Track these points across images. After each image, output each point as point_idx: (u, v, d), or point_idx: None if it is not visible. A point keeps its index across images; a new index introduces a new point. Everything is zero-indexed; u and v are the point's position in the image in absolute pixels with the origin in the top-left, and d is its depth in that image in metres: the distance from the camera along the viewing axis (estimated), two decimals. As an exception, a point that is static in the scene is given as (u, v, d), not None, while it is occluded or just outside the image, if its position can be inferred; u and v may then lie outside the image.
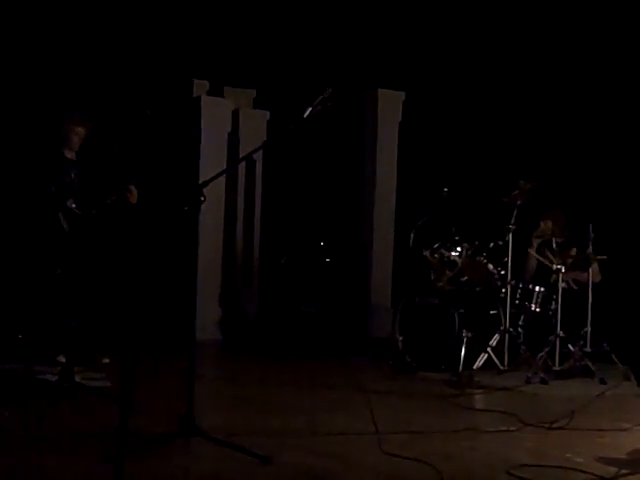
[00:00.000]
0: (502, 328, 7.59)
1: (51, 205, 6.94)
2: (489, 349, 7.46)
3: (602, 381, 7.15)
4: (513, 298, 7.78)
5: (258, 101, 10.67)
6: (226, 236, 10.12)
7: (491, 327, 7.67)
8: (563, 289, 7.57)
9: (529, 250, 8.08)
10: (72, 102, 8.34)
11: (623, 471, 4.25)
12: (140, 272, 8.80)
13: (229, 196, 10.14)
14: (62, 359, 6.63)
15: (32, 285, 7.04)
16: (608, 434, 5.20)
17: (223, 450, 4.40)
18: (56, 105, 8.49)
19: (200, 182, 4.62)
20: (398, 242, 10.21)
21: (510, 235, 7.67)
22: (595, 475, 4.22)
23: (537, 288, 7.87)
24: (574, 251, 7.86)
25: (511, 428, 5.30)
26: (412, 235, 8.13)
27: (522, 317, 7.98)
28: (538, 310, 7.84)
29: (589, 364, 7.35)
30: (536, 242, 8.08)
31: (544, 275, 8.05)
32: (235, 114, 10.26)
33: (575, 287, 7.78)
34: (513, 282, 7.79)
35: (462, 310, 7.68)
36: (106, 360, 7.18)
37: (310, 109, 4.59)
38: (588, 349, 7.43)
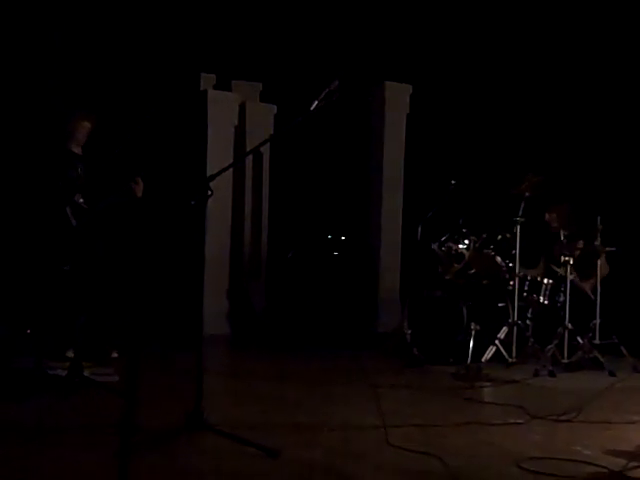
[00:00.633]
0: (510, 321, 7.57)
1: (59, 200, 6.95)
2: (497, 342, 7.45)
3: (611, 373, 7.13)
4: (521, 290, 7.77)
5: (265, 94, 10.66)
6: (233, 230, 10.12)
7: (499, 320, 7.66)
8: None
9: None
10: (79, 97, 8.35)
11: (632, 464, 4.24)
12: (147, 266, 8.81)
13: (236, 190, 10.14)
14: (70, 354, 6.64)
15: (40, 280, 7.05)
16: (617, 427, 5.19)
17: (231, 444, 4.40)
18: (63, 100, 8.50)
19: (207, 176, 4.62)
20: (406, 235, 10.20)
21: (518, 228, 7.65)
22: (604, 467, 4.21)
23: (545, 280, 7.85)
24: (581, 244, 7.85)
25: (519, 421, 5.29)
26: (420, 228, 8.13)
27: (530, 309, 7.96)
28: (546, 302, 7.81)
29: (598, 356, 7.33)
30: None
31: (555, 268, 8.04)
32: (242, 108, 10.25)
33: (592, 296, 7.72)
34: (521, 274, 7.77)
35: (470, 303, 7.67)
36: (115, 355, 7.19)
37: (317, 102, 4.59)
38: (597, 341, 7.42)
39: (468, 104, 10.07)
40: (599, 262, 7.63)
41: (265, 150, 10.28)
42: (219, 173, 4.64)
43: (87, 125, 7.15)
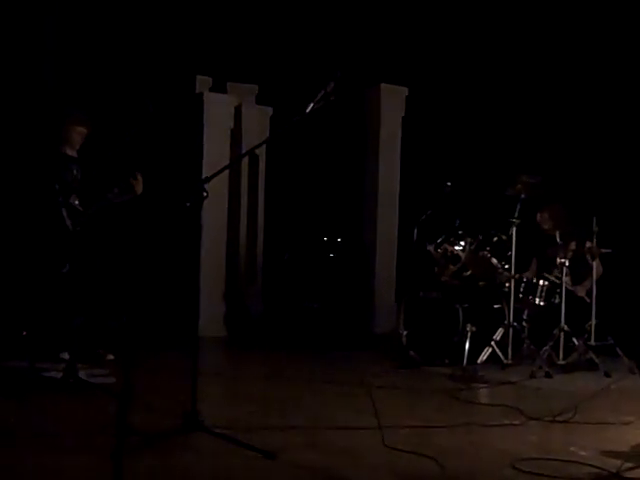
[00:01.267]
0: (506, 322, 7.58)
1: (54, 202, 6.94)
2: (493, 343, 7.46)
3: (607, 374, 7.15)
4: (517, 292, 7.77)
5: (261, 97, 10.67)
6: (229, 232, 10.12)
7: (495, 321, 7.66)
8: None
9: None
10: (74, 99, 8.35)
11: (627, 464, 4.24)
12: (143, 268, 8.80)
13: (232, 192, 10.14)
14: (66, 356, 6.64)
15: (36, 282, 7.05)
16: (612, 428, 5.19)
17: (227, 446, 4.40)
18: (58, 102, 8.50)
19: (203, 178, 4.62)
20: (401, 237, 10.21)
21: (514, 229, 7.66)
22: (599, 468, 4.21)
23: (541, 282, 7.85)
24: (573, 245, 7.87)
25: (515, 422, 5.29)
26: (415, 230, 8.13)
27: (526, 311, 7.97)
28: (542, 304, 7.82)
29: (594, 357, 7.34)
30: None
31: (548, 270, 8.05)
32: (238, 110, 10.26)
33: (588, 300, 7.73)
34: (517, 276, 7.78)
35: (466, 304, 7.68)
36: (110, 357, 7.19)
37: (313, 104, 4.59)
38: (592, 343, 7.42)
39: (463, 106, 10.09)
40: (594, 264, 7.63)
41: (261, 152, 10.28)
42: (215, 175, 4.64)
43: (82, 130, 7.15)
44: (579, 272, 7.92)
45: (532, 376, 7.04)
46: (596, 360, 7.33)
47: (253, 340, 9.52)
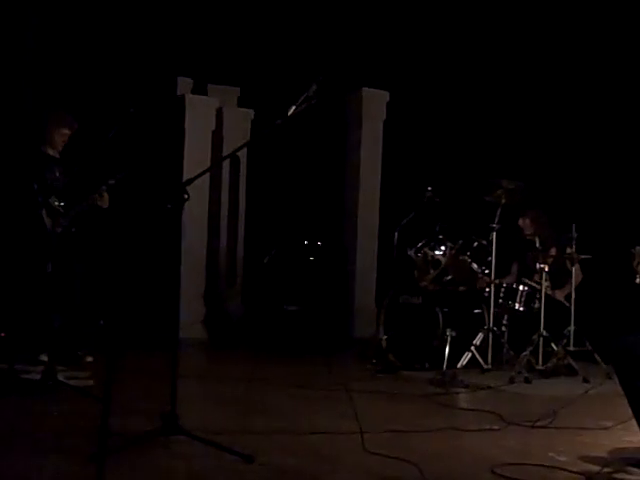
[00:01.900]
0: (486, 327, 7.60)
1: (33, 202, 6.90)
2: (473, 348, 7.48)
3: (585, 380, 7.17)
4: (497, 297, 7.80)
5: (242, 99, 10.67)
6: (210, 235, 10.11)
7: (475, 326, 7.69)
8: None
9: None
10: (55, 99, 8.31)
11: (605, 469, 4.25)
12: (123, 270, 8.77)
13: (213, 194, 10.13)
14: (44, 358, 6.60)
15: (15, 283, 7.01)
16: (591, 433, 5.21)
17: (206, 449, 4.38)
18: (38, 102, 8.45)
19: (184, 180, 4.60)
20: (382, 241, 10.22)
21: (494, 234, 7.68)
22: (578, 473, 4.22)
23: (521, 287, 7.88)
24: (554, 251, 7.91)
25: (494, 427, 5.30)
26: (396, 234, 8.15)
27: (506, 316, 8.00)
28: (522, 309, 7.85)
29: (572, 363, 7.37)
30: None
31: (528, 275, 8.08)
32: (219, 112, 10.25)
33: (567, 304, 7.75)
34: (497, 281, 7.81)
35: (446, 309, 7.69)
36: (89, 359, 7.15)
37: (295, 107, 4.59)
38: (571, 348, 7.45)
39: (445, 111, 10.11)
40: (574, 269, 7.66)
41: (242, 155, 10.28)
42: (196, 177, 4.61)
43: (65, 132, 7.12)
44: (559, 278, 7.95)
45: (511, 381, 7.05)
46: (575, 366, 7.35)
47: (233, 342, 9.50)
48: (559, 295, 7.97)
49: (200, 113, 9.96)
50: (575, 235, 7.51)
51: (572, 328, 7.47)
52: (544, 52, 9.40)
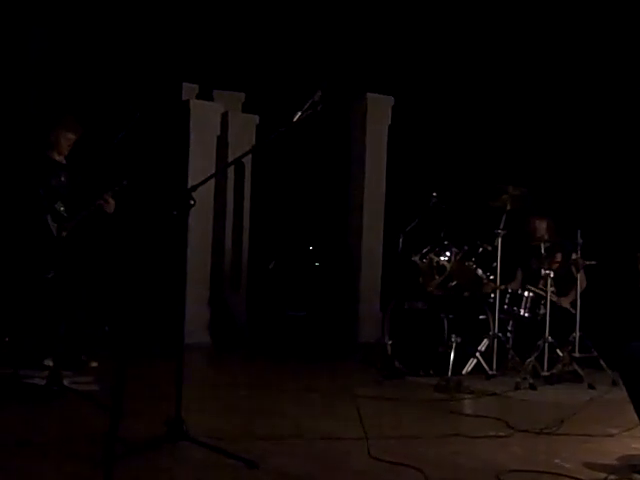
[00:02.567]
0: (491, 333, 7.59)
1: (39, 208, 6.91)
2: (478, 354, 7.47)
3: (590, 386, 7.15)
4: (502, 303, 7.79)
5: (247, 105, 10.67)
6: (215, 240, 10.10)
7: (480, 332, 7.68)
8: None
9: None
10: (61, 105, 8.32)
11: (611, 477, 4.24)
12: (129, 276, 8.77)
13: (218, 200, 10.13)
14: (49, 363, 6.59)
15: (19, 288, 7.01)
16: (597, 440, 5.19)
17: (211, 454, 4.38)
18: (44, 107, 8.47)
19: (189, 186, 4.60)
20: (387, 247, 10.21)
21: (499, 240, 7.68)
22: (584, 481, 4.22)
23: (526, 293, 7.87)
24: (559, 257, 7.90)
25: (500, 434, 5.29)
26: (401, 240, 8.13)
27: (511, 322, 7.99)
28: (527, 315, 7.84)
29: (578, 369, 7.35)
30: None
31: (533, 281, 8.06)
32: (224, 118, 10.25)
33: (573, 310, 7.74)
34: (502, 287, 7.80)
35: (451, 315, 7.68)
36: (94, 364, 7.15)
37: (300, 113, 4.59)
38: (577, 354, 7.44)
39: (450, 116, 10.11)
40: (579, 275, 7.64)
41: (247, 160, 10.28)
42: (201, 183, 4.62)
43: (71, 136, 7.12)
44: (564, 284, 7.94)
45: (517, 387, 7.04)
46: (580, 372, 7.33)
47: (238, 348, 9.49)
48: (564, 302, 7.96)
49: (205, 118, 9.96)
50: (580, 241, 7.49)
51: (577, 334, 7.45)
52: (550, 58, 9.39)
